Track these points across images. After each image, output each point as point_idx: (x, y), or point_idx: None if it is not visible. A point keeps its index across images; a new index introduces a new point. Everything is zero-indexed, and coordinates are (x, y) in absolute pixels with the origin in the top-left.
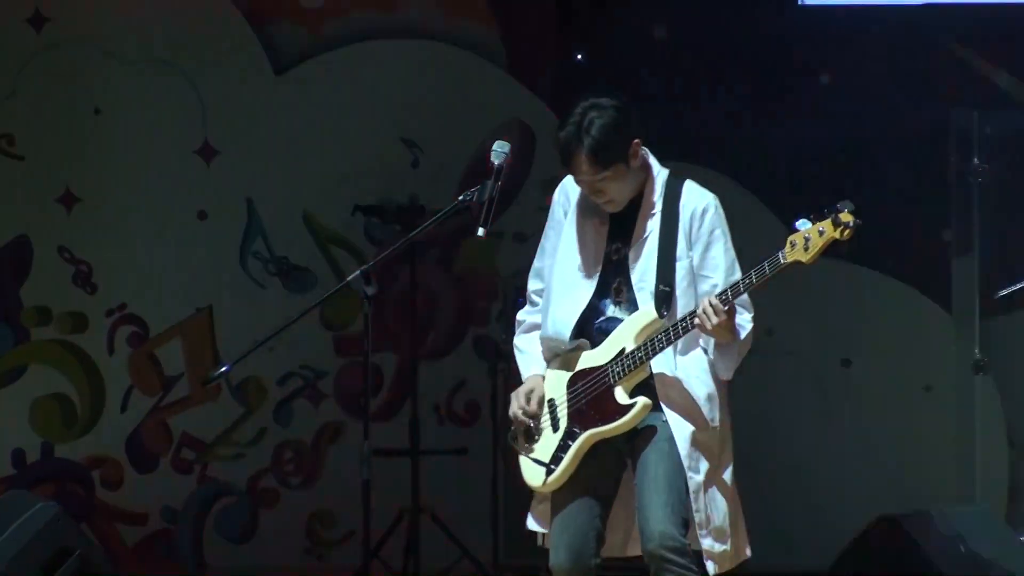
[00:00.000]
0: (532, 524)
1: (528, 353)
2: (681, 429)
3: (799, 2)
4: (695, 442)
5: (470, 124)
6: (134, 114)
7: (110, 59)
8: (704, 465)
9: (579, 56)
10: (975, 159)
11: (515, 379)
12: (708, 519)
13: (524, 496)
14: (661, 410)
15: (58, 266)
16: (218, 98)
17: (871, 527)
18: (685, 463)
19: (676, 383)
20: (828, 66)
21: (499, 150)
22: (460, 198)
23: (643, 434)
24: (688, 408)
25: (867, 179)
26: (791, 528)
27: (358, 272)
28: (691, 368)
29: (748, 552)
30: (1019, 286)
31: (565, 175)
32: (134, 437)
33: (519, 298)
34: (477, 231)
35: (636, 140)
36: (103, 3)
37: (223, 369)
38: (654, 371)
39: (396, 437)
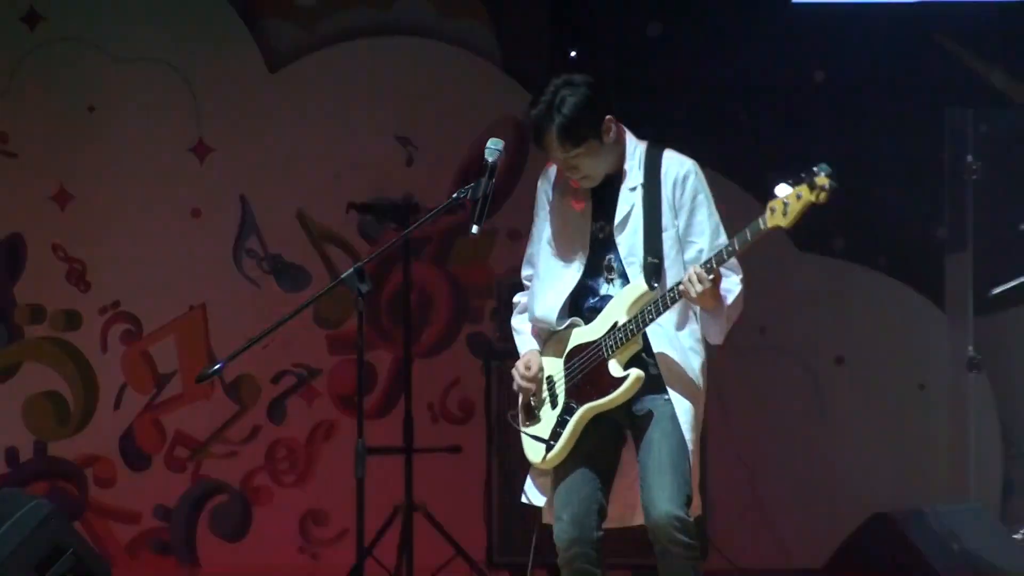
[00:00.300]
0: (531, 494)
1: (524, 333)
2: (683, 407)
3: (792, 0)
4: (694, 415)
5: (465, 121)
6: (128, 112)
7: (104, 57)
8: (697, 437)
9: (573, 53)
10: (969, 157)
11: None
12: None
13: (518, 494)
14: (664, 390)
15: (52, 264)
16: (212, 96)
17: (865, 525)
18: (688, 437)
19: (676, 361)
20: (822, 64)
21: (493, 147)
22: (454, 195)
23: (645, 413)
24: (687, 383)
25: (861, 177)
26: (785, 526)
27: (352, 269)
28: (687, 340)
29: (699, 510)
30: (1013, 284)
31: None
32: (127, 435)
33: (513, 296)
34: (471, 228)
35: (609, 116)
36: (97, 1)
37: (216, 367)
38: (655, 350)
39: (390, 435)
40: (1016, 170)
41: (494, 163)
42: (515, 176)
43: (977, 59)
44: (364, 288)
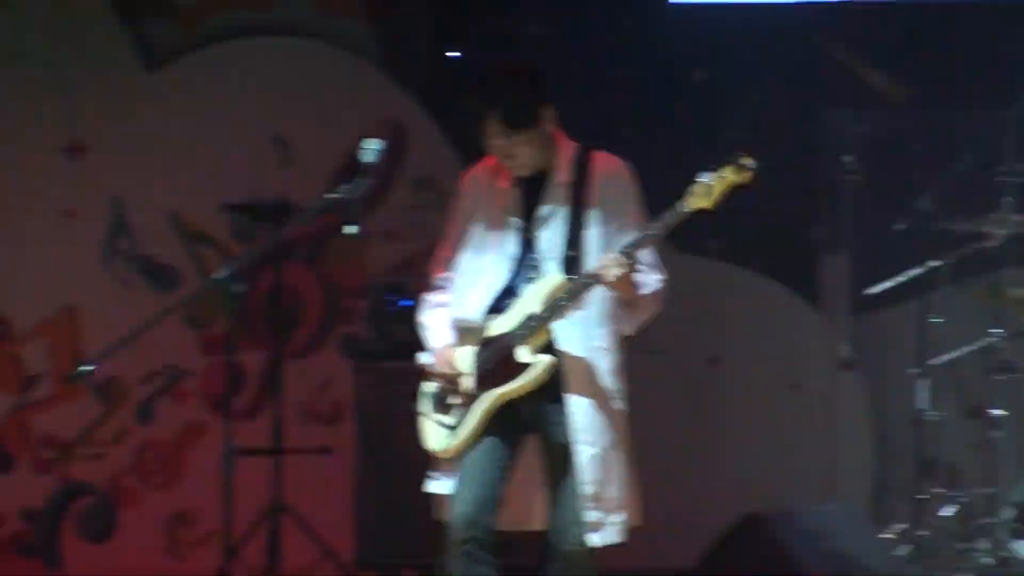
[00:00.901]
0: (434, 486)
1: (434, 328)
2: (587, 422)
3: (669, 0)
4: (595, 415)
5: (342, 122)
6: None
7: None
8: (602, 438)
9: (452, 54)
10: (847, 157)
11: (384, 378)
12: (601, 491)
13: (387, 496)
14: (571, 406)
15: None
16: (87, 94)
17: (737, 526)
18: (579, 436)
19: (583, 362)
20: (700, 65)
21: (370, 148)
22: (329, 196)
23: (557, 428)
24: (594, 388)
25: None
26: (658, 527)
27: (224, 270)
28: (600, 341)
29: (639, 520)
30: (889, 284)
31: (475, 165)
32: None
33: (387, 296)
34: (347, 229)
35: (549, 106)
36: None
37: (87, 368)
38: (562, 348)
39: (259, 436)
40: (893, 171)
41: (370, 164)
42: (391, 177)
43: (856, 60)
44: (236, 289)
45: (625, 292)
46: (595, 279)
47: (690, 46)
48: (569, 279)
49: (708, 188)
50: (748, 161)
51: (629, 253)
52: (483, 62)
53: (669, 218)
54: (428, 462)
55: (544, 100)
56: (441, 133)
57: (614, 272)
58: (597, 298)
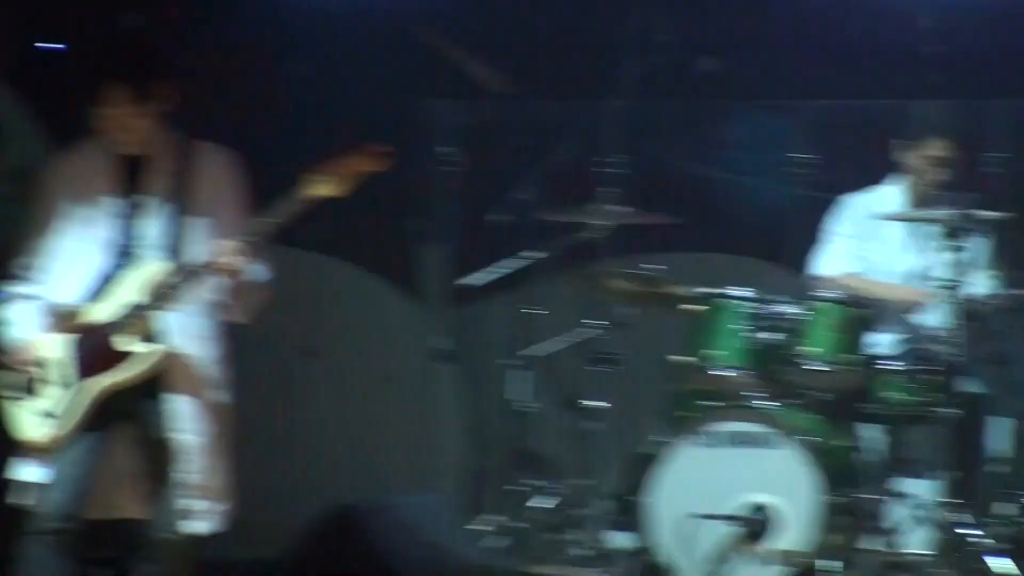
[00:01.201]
0: (21, 472)
1: (18, 323)
2: (186, 397)
3: None
4: (198, 405)
5: None
6: None
7: None
8: (204, 428)
9: (44, 44)
10: (446, 147)
11: None
12: (201, 480)
13: None
14: (172, 392)
15: None
16: None
17: (328, 517)
18: (180, 425)
19: (187, 353)
20: (294, 54)
21: None
22: None
23: (155, 416)
24: (196, 372)
25: None
26: (249, 517)
27: None
28: (204, 330)
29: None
30: (485, 275)
31: (70, 149)
32: None
33: None
34: None
35: (172, 87)
36: None
37: None
38: (167, 341)
39: None
40: (493, 160)
41: None
42: None
43: (453, 48)
44: None
45: (235, 278)
46: (207, 267)
47: (284, 34)
48: (177, 267)
49: (339, 176)
50: (384, 148)
51: (245, 241)
52: (79, 51)
53: (289, 206)
54: (14, 448)
55: (167, 77)
56: (34, 123)
57: (228, 260)
58: (203, 288)
